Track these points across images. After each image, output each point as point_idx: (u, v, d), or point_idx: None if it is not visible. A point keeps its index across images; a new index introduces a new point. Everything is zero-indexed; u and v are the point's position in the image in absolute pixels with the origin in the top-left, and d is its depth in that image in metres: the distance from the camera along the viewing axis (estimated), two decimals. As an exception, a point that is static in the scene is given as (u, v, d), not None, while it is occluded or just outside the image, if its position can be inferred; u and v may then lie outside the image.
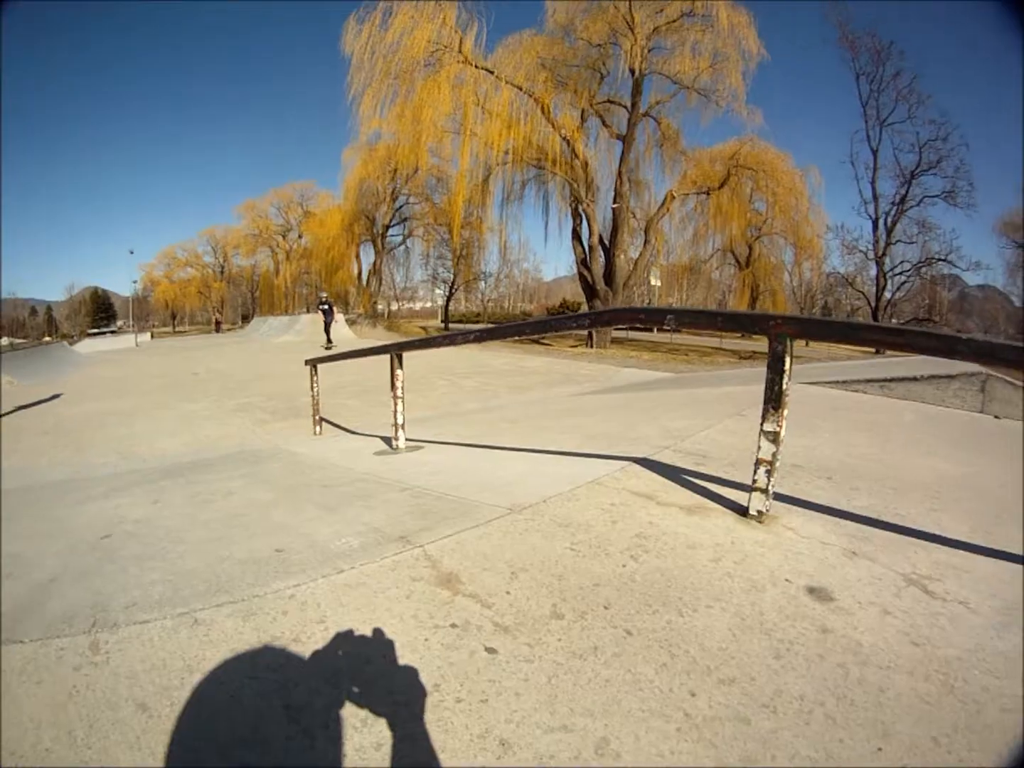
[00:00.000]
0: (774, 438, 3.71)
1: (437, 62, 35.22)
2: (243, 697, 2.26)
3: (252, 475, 6.28)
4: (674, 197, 39.84)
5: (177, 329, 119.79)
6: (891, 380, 10.57)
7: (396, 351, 7.42)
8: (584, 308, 50.50)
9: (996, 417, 9.49)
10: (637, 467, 5.09)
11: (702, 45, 36.24)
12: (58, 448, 9.93)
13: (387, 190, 65.28)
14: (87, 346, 49.91)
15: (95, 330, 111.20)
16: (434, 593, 2.94)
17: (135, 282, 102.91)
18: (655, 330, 52.85)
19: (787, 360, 3.71)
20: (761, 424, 3.78)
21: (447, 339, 7.52)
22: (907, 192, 52.51)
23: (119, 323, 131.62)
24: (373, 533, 3.79)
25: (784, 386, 3.70)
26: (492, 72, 35.52)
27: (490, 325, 70.33)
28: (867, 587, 3.02)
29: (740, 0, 35.47)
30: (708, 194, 40.90)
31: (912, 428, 8.02)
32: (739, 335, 61.28)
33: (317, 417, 9.91)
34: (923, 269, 56.49)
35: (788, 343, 3.72)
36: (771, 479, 3.76)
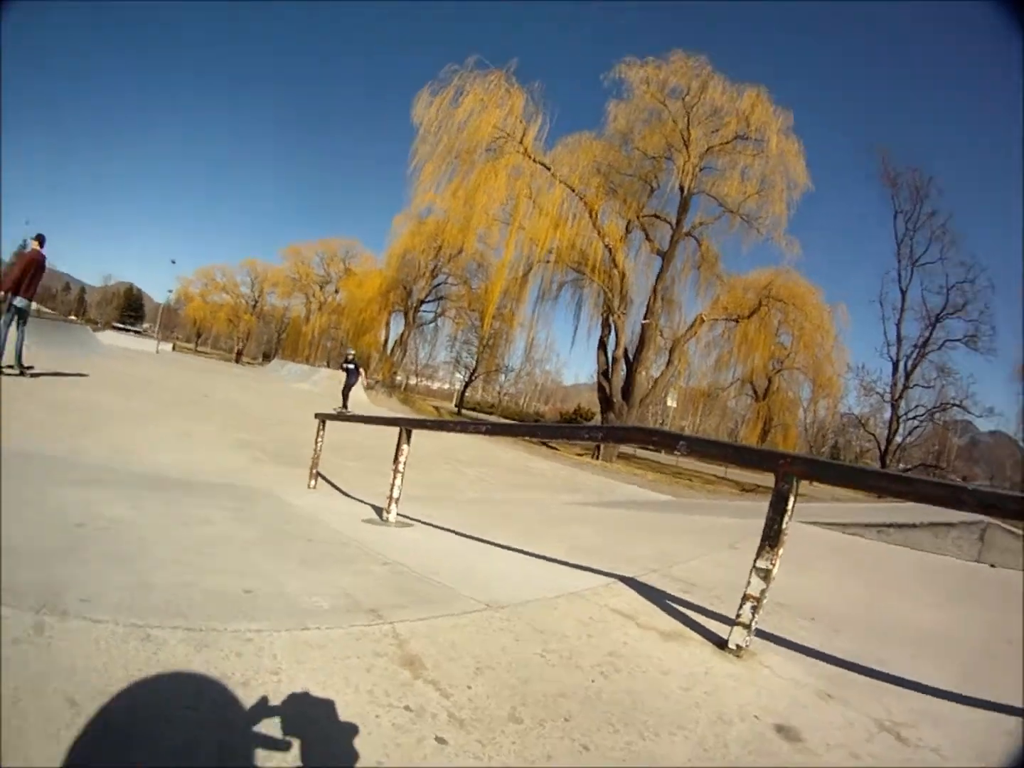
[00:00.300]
0: (765, 576, 3.65)
1: (498, 149, 35.57)
2: (177, 723, 2.19)
3: (236, 511, 6.19)
4: (703, 321, 39.85)
5: (199, 348, 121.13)
6: (890, 526, 10.53)
7: (406, 426, 7.40)
8: (598, 418, 50.52)
9: (992, 566, 9.45)
10: (622, 585, 5.05)
11: (751, 170, 36.70)
12: (56, 427, 9.86)
13: (428, 266, 65.83)
14: (109, 337, 50.65)
15: (120, 324, 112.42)
16: (395, 672, 2.86)
17: (170, 291, 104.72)
18: (663, 451, 52.70)
19: (791, 500, 3.67)
20: (755, 560, 3.72)
21: (459, 426, 7.65)
22: (931, 335, 52.46)
23: (145, 325, 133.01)
24: (345, 598, 3.73)
25: (784, 526, 3.65)
26: (548, 168, 35.95)
27: (503, 419, 70.54)
28: (838, 730, 2.96)
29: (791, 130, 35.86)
30: (737, 322, 40.82)
31: (906, 575, 8.03)
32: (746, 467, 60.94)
33: (315, 471, 9.79)
34: (937, 414, 56.04)
35: (794, 483, 3.68)
36: (756, 616, 3.69)
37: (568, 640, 3.64)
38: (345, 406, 29.60)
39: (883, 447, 54.40)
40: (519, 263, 38.43)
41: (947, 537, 10.77)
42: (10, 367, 14.28)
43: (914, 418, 55.89)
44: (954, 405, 54.88)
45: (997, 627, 5.74)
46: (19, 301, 14.34)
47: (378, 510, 7.36)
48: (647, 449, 56.42)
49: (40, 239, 14.90)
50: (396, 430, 7.49)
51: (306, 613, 3.36)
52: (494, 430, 7.18)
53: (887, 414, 56.58)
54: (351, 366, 31.47)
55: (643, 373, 38.79)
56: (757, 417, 49.33)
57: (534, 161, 35.75)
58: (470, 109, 34.57)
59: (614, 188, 38.04)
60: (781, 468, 3.74)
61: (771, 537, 3.67)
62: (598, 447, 33.75)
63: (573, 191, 36.01)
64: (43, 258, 14.96)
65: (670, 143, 36.72)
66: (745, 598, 3.72)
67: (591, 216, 36.65)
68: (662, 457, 49.97)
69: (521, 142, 35.22)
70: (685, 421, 67.66)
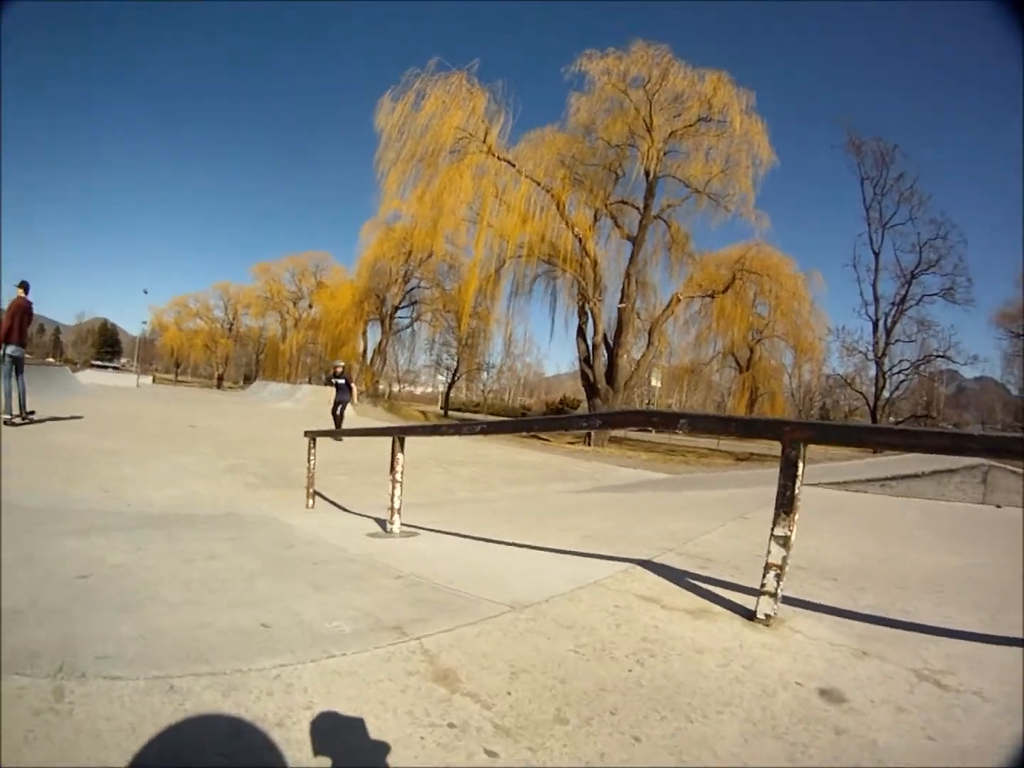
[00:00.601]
0: (784, 542, 3.64)
1: (462, 150, 35.61)
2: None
3: (238, 540, 6.12)
4: (679, 300, 40.18)
5: (179, 378, 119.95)
6: (892, 479, 10.58)
7: (399, 435, 7.34)
8: (584, 406, 51.01)
9: (998, 507, 9.54)
10: (640, 569, 5.02)
11: (716, 150, 37.07)
12: (46, 473, 9.69)
13: (400, 271, 65.98)
14: (88, 376, 50.36)
15: (99, 362, 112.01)
16: (431, 689, 2.77)
17: (145, 323, 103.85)
18: (652, 430, 52.80)
19: (800, 466, 3.67)
20: (772, 528, 3.71)
21: (453, 428, 7.51)
22: (907, 292, 53.42)
23: (123, 360, 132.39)
24: (366, 619, 3.64)
25: (796, 491, 3.64)
26: (513, 165, 36.12)
27: (490, 416, 70.50)
28: (879, 686, 2.96)
29: (754, 111, 36.13)
30: (712, 297, 41.27)
31: (915, 524, 8.04)
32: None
33: (311, 490, 9.68)
34: (922, 367, 57.01)
35: (802, 449, 3.68)
36: (780, 583, 3.68)
37: (598, 632, 3.58)
38: (338, 425, 23.05)
39: (872, 403, 55.09)
40: (490, 261, 38.49)
41: (950, 483, 10.82)
42: (16, 416, 14.49)
43: (899, 372, 56.69)
44: (938, 356, 56.04)
45: (1014, 565, 5.72)
46: (13, 350, 14.53)
47: (381, 522, 7.29)
48: (637, 430, 56.75)
49: (24, 286, 14.98)
50: (383, 440, 7.50)
51: (329, 640, 3.27)
52: (489, 429, 7.11)
53: (872, 371, 57.55)
54: (341, 380, 24.85)
55: (624, 357, 38.80)
56: (743, 388, 49.67)
57: (498, 159, 35.87)
58: (432, 112, 34.58)
59: (580, 179, 38.19)
60: (787, 435, 3.74)
61: (785, 504, 3.65)
62: (589, 433, 33.64)
63: (539, 185, 36.14)
64: (29, 304, 15.01)
65: (633, 131, 36.88)
66: (768, 567, 3.70)
67: (559, 208, 36.85)
68: (652, 436, 49.97)
69: (484, 141, 35.30)
70: (671, 399, 67.93)
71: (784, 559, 3.64)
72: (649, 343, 40.14)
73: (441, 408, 75.63)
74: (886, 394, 56.14)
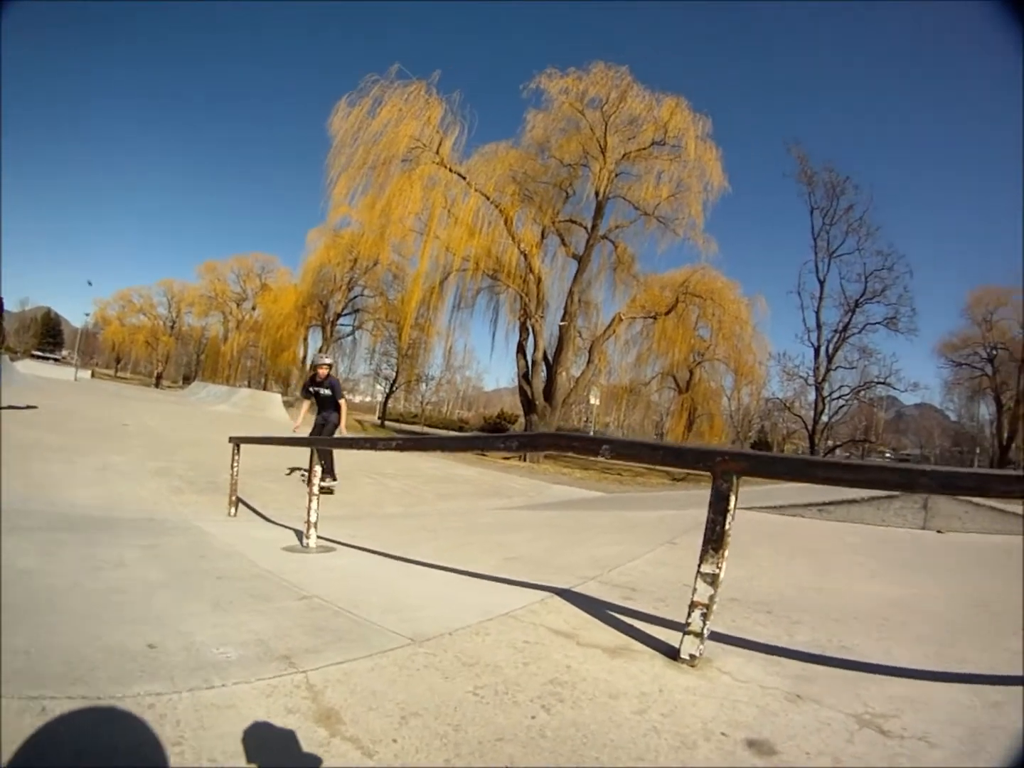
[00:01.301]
0: (713, 580, 3.45)
1: (415, 159, 35.25)
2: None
3: (152, 548, 5.95)
4: (621, 320, 40.62)
5: (119, 374, 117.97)
6: (830, 503, 10.60)
7: (318, 447, 7.28)
8: (521, 421, 51.39)
9: (939, 532, 9.53)
10: (558, 600, 4.82)
11: (668, 174, 37.38)
12: None
13: (345, 278, 65.74)
14: (27, 367, 49.98)
15: (40, 353, 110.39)
16: (310, 730, 2.56)
17: (87, 315, 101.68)
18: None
19: (732, 500, 3.48)
20: (699, 565, 3.51)
21: (369, 442, 7.56)
22: (850, 320, 54.80)
23: (64, 352, 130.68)
24: (256, 646, 3.46)
25: (727, 527, 3.46)
26: (464, 178, 36.16)
27: (427, 428, 70.42)
28: (814, 734, 2.75)
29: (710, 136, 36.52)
30: (655, 318, 41.87)
31: (854, 551, 7.95)
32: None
33: (234, 498, 9.43)
34: (861, 393, 58.94)
35: (734, 481, 3.49)
36: (706, 622, 3.47)
37: (503, 671, 3.35)
38: (330, 472, 12.87)
39: (811, 427, 56.00)
40: (435, 272, 38.52)
41: (889, 509, 10.87)
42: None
43: (839, 398, 57.86)
44: (878, 383, 57.88)
45: (959, 593, 5.75)
46: None
47: (299, 535, 7.11)
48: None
49: None
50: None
51: (213, 667, 3.09)
52: (404, 446, 7.28)
53: (812, 396, 58.39)
54: (326, 391, 14.11)
55: (563, 374, 39.11)
56: (682, 408, 50.53)
57: (450, 171, 35.92)
58: (387, 120, 34.48)
59: (530, 195, 38.36)
60: (719, 466, 3.54)
61: (714, 540, 3.48)
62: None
63: (488, 199, 36.25)
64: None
65: (587, 151, 37.15)
66: (693, 605, 3.50)
67: (506, 223, 37.00)
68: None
69: (437, 152, 35.32)
70: (609, 417, 68.66)
71: (711, 598, 3.43)
72: (589, 361, 40.42)
73: (379, 418, 75.33)
74: (825, 418, 57.34)
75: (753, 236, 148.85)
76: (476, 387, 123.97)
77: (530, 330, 38.68)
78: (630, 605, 4.71)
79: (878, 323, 54.40)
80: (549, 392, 37.91)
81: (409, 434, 60.92)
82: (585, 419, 64.40)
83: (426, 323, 47.31)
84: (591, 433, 54.82)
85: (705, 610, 3.45)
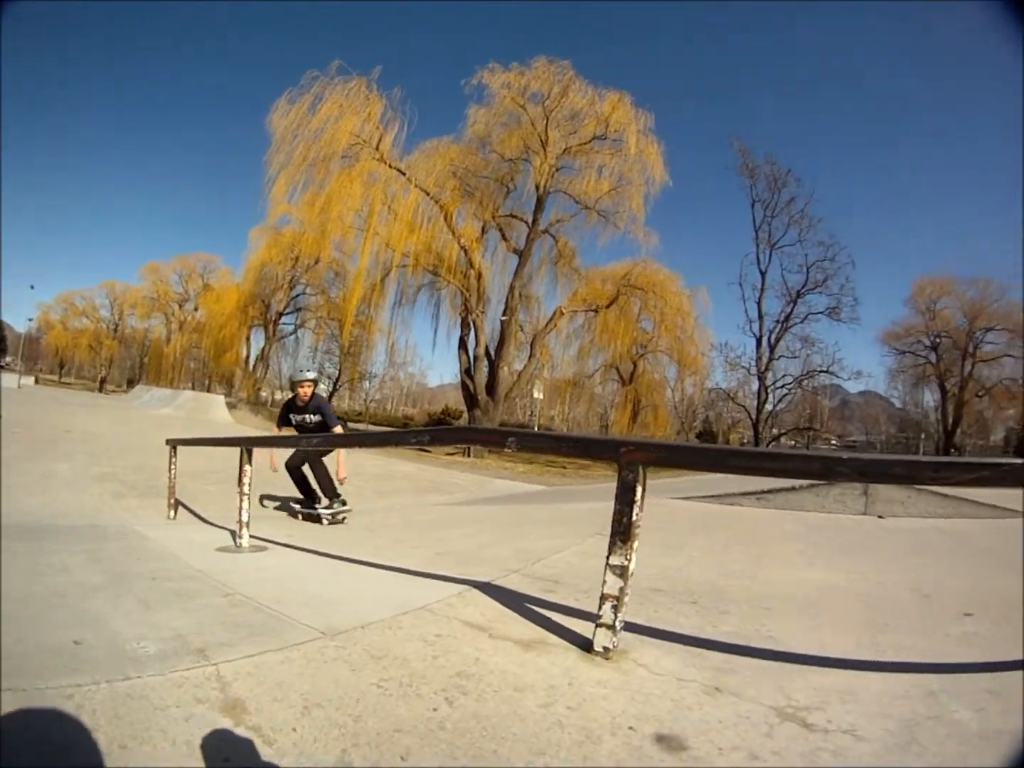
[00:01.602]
0: (622, 572, 3.42)
1: (355, 156, 35.30)
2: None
3: (93, 552, 5.98)
4: (563, 313, 40.79)
5: (63, 380, 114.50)
6: (768, 491, 10.64)
7: (246, 446, 7.23)
8: (465, 416, 51.32)
9: (880, 517, 9.59)
10: (476, 593, 4.80)
11: (609, 168, 37.62)
12: None
13: (286, 277, 65.27)
14: None
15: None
16: (215, 719, 2.62)
17: (31, 320, 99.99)
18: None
19: (638, 490, 3.46)
20: (608, 556, 3.50)
21: (294, 441, 8.32)
22: (792, 310, 55.96)
23: (8, 359, 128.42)
24: (175, 640, 3.51)
25: (635, 518, 3.44)
26: (404, 174, 36.00)
27: (372, 426, 70.00)
28: (730, 729, 2.68)
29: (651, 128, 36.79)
30: (596, 312, 42.12)
31: (792, 539, 7.99)
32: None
33: (172, 500, 9.35)
34: (805, 381, 60.26)
35: (640, 471, 3.47)
36: (618, 615, 3.43)
37: (410, 664, 3.33)
38: (331, 493, 10.06)
39: (754, 416, 56.79)
40: (376, 269, 38.30)
41: (829, 495, 10.94)
42: None
43: (783, 387, 58.73)
44: (821, 372, 59.06)
45: (898, 579, 5.75)
46: None
47: (235, 535, 7.07)
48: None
49: None
50: (262, 449, 7.61)
51: (131, 660, 3.16)
52: (322, 444, 7.87)
53: (755, 386, 59.06)
54: (313, 416, 10.34)
55: (505, 368, 39.13)
56: (625, 400, 50.99)
57: (390, 167, 35.74)
58: (327, 116, 34.27)
59: (470, 191, 38.31)
60: (624, 456, 3.54)
61: (621, 532, 3.46)
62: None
63: (428, 195, 36.15)
64: None
65: (528, 145, 37.25)
66: (604, 597, 3.47)
67: (446, 219, 36.98)
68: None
69: (377, 148, 35.15)
70: (554, 411, 69.04)
71: (622, 590, 3.40)
72: (531, 355, 40.48)
73: (324, 416, 74.83)
74: (769, 407, 58.00)
75: (696, 228, 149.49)
76: (420, 383, 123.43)
77: (471, 325, 38.63)
78: (550, 598, 4.68)
79: (820, 313, 55.65)
80: (491, 387, 37.95)
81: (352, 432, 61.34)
82: (530, 413, 64.56)
83: (368, 320, 47.13)
84: (535, 428, 55.07)
85: (616, 602, 3.41)
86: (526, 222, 39.53)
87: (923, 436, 72.36)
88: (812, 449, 72.93)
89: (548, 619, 4.17)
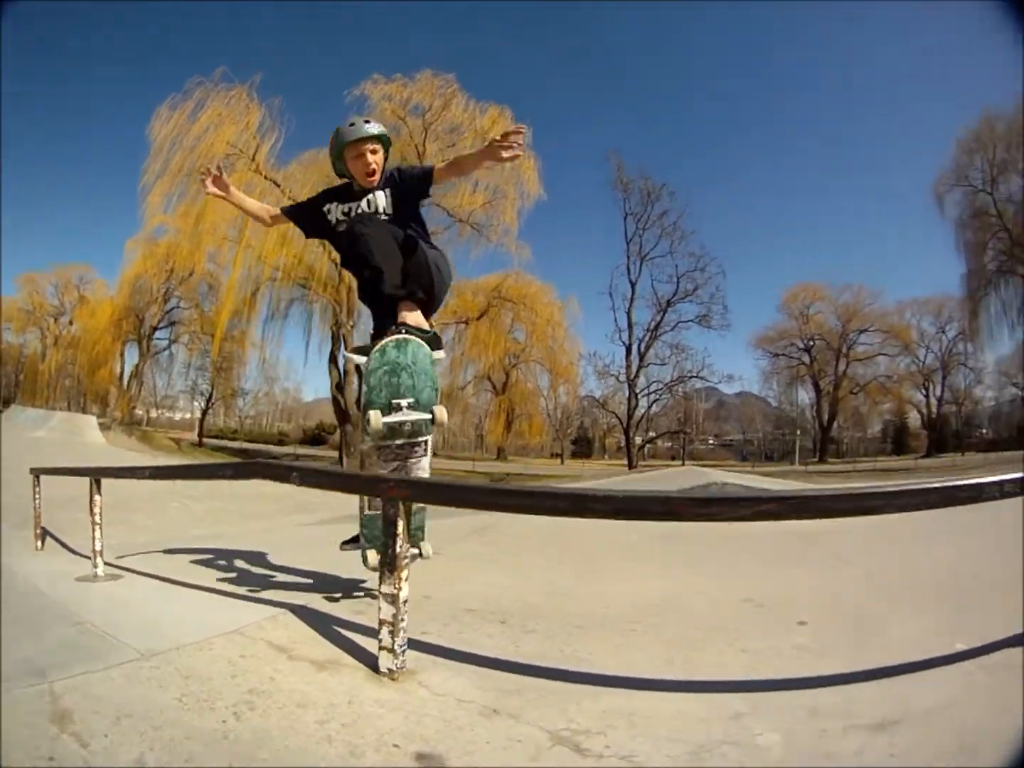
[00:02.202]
0: (393, 600, 3.65)
1: (231, 166, 33.91)
2: None
3: None
4: (432, 326, 40.08)
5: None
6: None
7: (95, 477, 7.33)
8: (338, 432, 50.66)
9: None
10: (289, 616, 4.85)
11: (484, 182, 38.61)
12: None
13: (161, 290, 63.63)
14: None
15: None
16: (45, 727, 2.93)
17: None
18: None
19: (399, 524, 3.69)
20: (379, 587, 3.75)
21: (134, 472, 8.38)
22: (662, 319, 57.35)
23: None
24: (22, 665, 3.65)
25: (399, 550, 3.67)
26: (279, 185, 35.96)
27: (247, 443, 69.05)
28: (498, 751, 2.79)
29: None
30: (467, 324, 42.84)
31: (631, 551, 8.08)
32: (495, 457, 63.08)
33: (38, 531, 9.47)
34: (676, 387, 62.78)
35: (400, 507, 3.70)
36: (395, 639, 3.64)
37: (212, 682, 3.55)
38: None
39: (625, 423, 57.70)
40: (248, 282, 38.41)
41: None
42: None
43: (653, 393, 59.86)
44: (691, 377, 60.54)
45: (733, 588, 5.74)
46: None
47: (96, 565, 7.33)
48: (381, 460, 57.41)
49: None
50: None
51: None
52: (157, 474, 7.73)
53: (627, 393, 59.86)
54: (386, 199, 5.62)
55: (375, 383, 38.66)
56: (500, 410, 51.62)
57: (265, 178, 35.79)
58: (207, 125, 34.36)
59: (345, 203, 37.89)
60: (387, 492, 3.80)
61: (388, 563, 3.71)
62: (361, 463, 32.61)
63: (302, 207, 35.70)
64: None
65: (404, 157, 36.98)
66: (381, 623, 3.69)
67: (319, 231, 36.46)
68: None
69: (253, 159, 35.28)
70: (430, 422, 68.80)
71: (395, 615, 3.63)
72: (402, 369, 39.93)
73: (197, 435, 73.22)
74: (642, 412, 59.08)
75: (567, 240, 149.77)
76: (295, 399, 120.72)
77: (342, 340, 38.84)
78: (360, 620, 4.74)
79: (691, 321, 57.55)
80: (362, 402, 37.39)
81: (229, 452, 60.17)
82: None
83: (240, 335, 46.76)
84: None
85: (392, 627, 3.63)
86: (399, 235, 39.38)
87: (799, 432, 75.05)
88: (688, 450, 74.93)
89: (352, 641, 4.28)
